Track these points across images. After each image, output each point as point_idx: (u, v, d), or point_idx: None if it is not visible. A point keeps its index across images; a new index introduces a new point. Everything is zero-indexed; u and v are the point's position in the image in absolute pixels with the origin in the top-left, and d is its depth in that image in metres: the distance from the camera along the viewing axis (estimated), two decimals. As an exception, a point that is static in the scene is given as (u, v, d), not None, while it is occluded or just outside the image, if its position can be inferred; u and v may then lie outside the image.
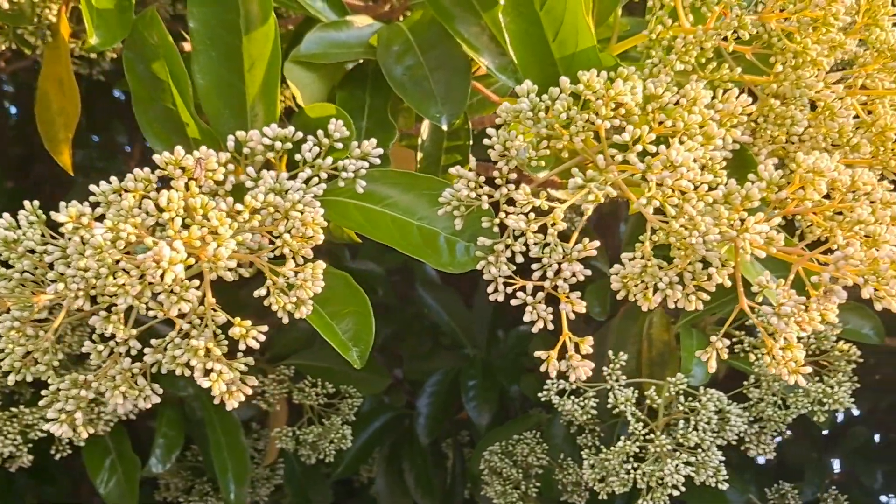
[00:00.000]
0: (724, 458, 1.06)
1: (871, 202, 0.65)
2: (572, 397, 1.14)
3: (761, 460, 2.26)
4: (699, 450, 1.04)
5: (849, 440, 2.10)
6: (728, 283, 0.64)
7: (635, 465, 1.04)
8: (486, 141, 0.66)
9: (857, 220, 0.63)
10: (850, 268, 0.61)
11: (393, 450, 1.67)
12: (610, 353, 1.13)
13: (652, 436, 1.05)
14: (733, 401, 1.12)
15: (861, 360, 1.11)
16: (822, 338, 1.09)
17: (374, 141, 0.68)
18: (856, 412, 2.13)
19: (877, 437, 2.12)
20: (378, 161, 0.68)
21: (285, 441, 1.40)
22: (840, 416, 2.15)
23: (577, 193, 0.61)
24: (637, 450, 1.05)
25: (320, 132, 0.67)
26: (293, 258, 0.62)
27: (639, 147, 0.59)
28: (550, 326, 0.68)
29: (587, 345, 0.68)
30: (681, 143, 0.60)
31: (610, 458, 1.06)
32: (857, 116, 0.73)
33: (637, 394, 1.10)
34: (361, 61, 0.85)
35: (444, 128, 0.79)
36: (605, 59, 0.75)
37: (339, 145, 0.68)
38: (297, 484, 1.62)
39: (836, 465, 2.14)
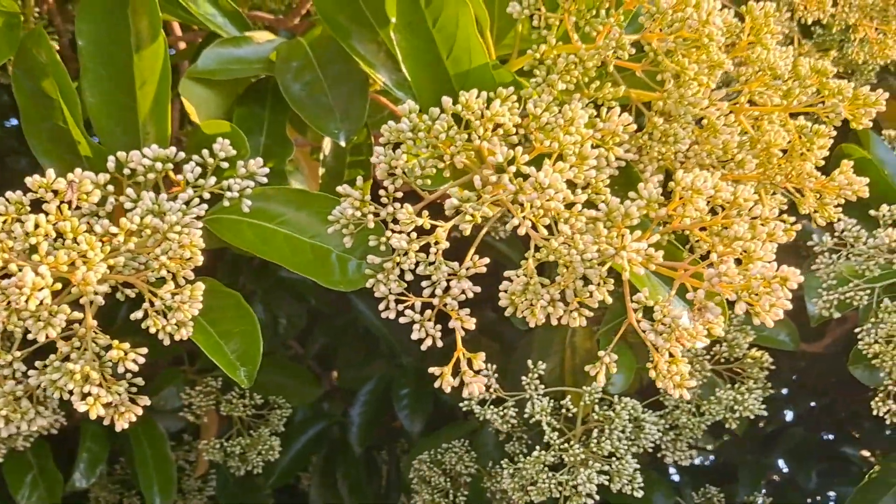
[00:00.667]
0: (639, 465, 1.07)
1: (753, 218, 0.66)
2: (492, 407, 1.14)
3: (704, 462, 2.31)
4: (614, 458, 1.05)
5: (784, 441, 2.13)
6: (609, 300, 0.64)
7: (550, 474, 1.04)
8: (372, 159, 0.67)
9: (735, 237, 0.64)
10: (724, 284, 0.62)
11: (327, 458, 1.66)
12: (529, 362, 1.13)
13: (566, 445, 1.05)
14: (651, 408, 1.14)
15: (773, 367, 1.13)
16: (733, 346, 1.11)
17: (259, 160, 0.67)
18: (789, 415, 2.17)
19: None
20: (265, 180, 0.68)
21: (213, 453, 1.39)
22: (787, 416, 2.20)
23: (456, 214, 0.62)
24: (554, 459, 1.06)
25: (205, 151, 0.67)
26: (173, 280, 0.61)
27: (513, 168, 0.60)
28: (440, 344, 0.69)
29: (480, 360, 0.69)
30: (556, 162, 0.60)
31: (527, 468, 1.07)
32: (745, 133, 0.74)
33: (558, 403, 1.11)
34: (263, 76, 0.85)
35: (343, 143, 0.79)
36: (503, 75, 0.75)
37: (226, 164, 0.67)
38: (230, 495, 1.60)
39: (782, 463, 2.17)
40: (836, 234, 1.03)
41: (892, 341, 0.99)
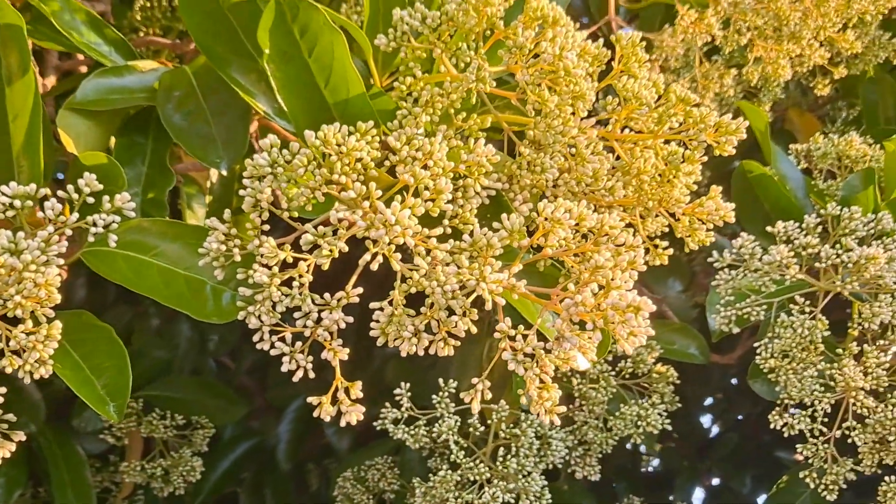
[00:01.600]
0: (546, 483, 1.08)
1: (619, 245, 0.67)
2: (403, 426, 1.15)
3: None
4: (520, 476, 1.06)
5: (720, 447, 2.16)
6: (474, 330, 0.65)
7: (456, 493, 1.05)
8: (241, 192, 0.67)
9: (596, 266, 0.65)
10: (581, 313, 0.63)
11: (257, 475, 1.66)
12: (440, 380, 1.14)
13: (473, 464, 1.06)
14: (563, 424, 1.15)
15: (679, 382, 1.14)
16: (638, 361, 1.12)
17: (126, 195, 0.67)
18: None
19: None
20: (133, 214, 0.68)
21: (134, 475, 1.38)
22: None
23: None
24: (460, 477, 1.07)
25: (71, 187, 0.67)
26: (32, 318, 0.61)
27: (367, 203, 0.60)
28: (312, 375, 0.69)
29: (357, 388, 0.70)
30: (411, 197, 0.61)
31: (437, 487, 1.07)
32: (619, 157, 0.75)
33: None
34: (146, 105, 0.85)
35: (224, 172, 0.79)
36: (386, 102, 0.76)
37: (91, 199, 0.67)
38: (158, 516, 1.59)
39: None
40: (735, 250, 1.04)
41: (789, 356, 1.01)
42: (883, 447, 0.95)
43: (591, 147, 0.72)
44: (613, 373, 1.13)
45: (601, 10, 1.06)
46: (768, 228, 1.05)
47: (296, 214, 0.66)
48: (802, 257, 1.00)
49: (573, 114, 0.69)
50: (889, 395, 0.95)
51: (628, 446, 2.01)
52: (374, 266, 0.60)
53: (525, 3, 0.69)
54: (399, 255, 0.60)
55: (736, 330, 1.05)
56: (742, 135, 0.71)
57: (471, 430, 1.10)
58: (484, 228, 0.66)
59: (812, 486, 1.01)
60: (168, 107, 0.80)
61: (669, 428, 1.11)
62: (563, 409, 0.69)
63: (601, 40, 0.73)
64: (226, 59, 0.78)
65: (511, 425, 1.09)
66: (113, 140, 0.83)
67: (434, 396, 1.13)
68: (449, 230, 0.67)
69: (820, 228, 1.02)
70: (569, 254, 0.68)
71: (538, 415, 0.67)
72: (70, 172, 0.76)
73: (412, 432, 1.14)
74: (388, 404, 1.16)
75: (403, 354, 0.67)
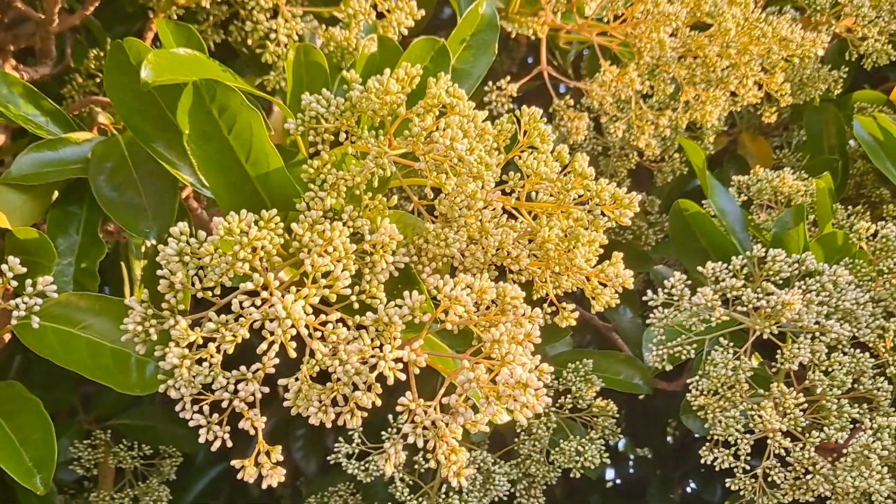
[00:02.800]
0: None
1: (519, 316, 0.71)
2: (355, 461, 1.18)
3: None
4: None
5: (692, 456, 2.19)
6: (379, 403, 0.69)
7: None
8: (158, 271, 0.70)
9: (493, 340, 0.68)
10: (478, 387, 0.66)
11: (228, 500, 1.70)
12: (390, 416, 1.18)
13: (415, 501, 1.10)
14: (506, 458, 1.19)
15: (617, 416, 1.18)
16: (578, 396, 1.16)
17: (48, 278, 0.71)
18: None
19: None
20: (55, 295, 0.71)
21: (103, 505, 1.42)
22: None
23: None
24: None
25: (4, 266, 0.71)
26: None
27: (266, 293, 0.64)
28: (230, 444, 0.73)
29: (277, 453, 0.74)
30: (313, 282, 0.65)
31: (382, 522, 1.11)
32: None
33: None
34: (82, 174, 0.88)
35: (154, 242, 0.82)
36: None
37: (15, 283, 0.71)
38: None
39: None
40: (667, 290, 1.07)
41: (719, 393, 1.05)
42: (802, 484, 0.99)
43: (495, 220, 0.75)
44: (555, 407, 1.17)
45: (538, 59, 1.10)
46: (699, 268, 1.08)
47: (209, 295, 0.70)
48: (729, 299, 1.04)
49: (481, 187, 0.73)
50: (807, 435, 0.99)
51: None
52: (271, 354, 0.64)
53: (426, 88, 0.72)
54: (294, 344, 0.64)
55: (669, 367, 1.09)
56: (635, 208, 0.74)
57: (416, 466, 1.14)
58: (392, 302, 0.70)
59: (743, 517, 1.05)
60: (100, 179, 0.83)
61: (608, 462, 1.15)
62: (471, 471, 0.73)
63: (505, 116, 0.77)
64: (151, 134, 0.81)
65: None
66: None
67: (383, 433, 1.17)
68: (356, 305, 0.70)
69: (746, 270, 1.05)
70: (471, 324, 0.72)
71: (448, 476, 0.71)
72: (7, 247, 0.79)
73: (363, 467, 1.18)
74: (341, 439, 1.19)
75: (313, 422, 0.71)
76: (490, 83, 1.11)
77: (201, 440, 0.71)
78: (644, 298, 1.10)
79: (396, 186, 0.81)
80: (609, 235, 1.45)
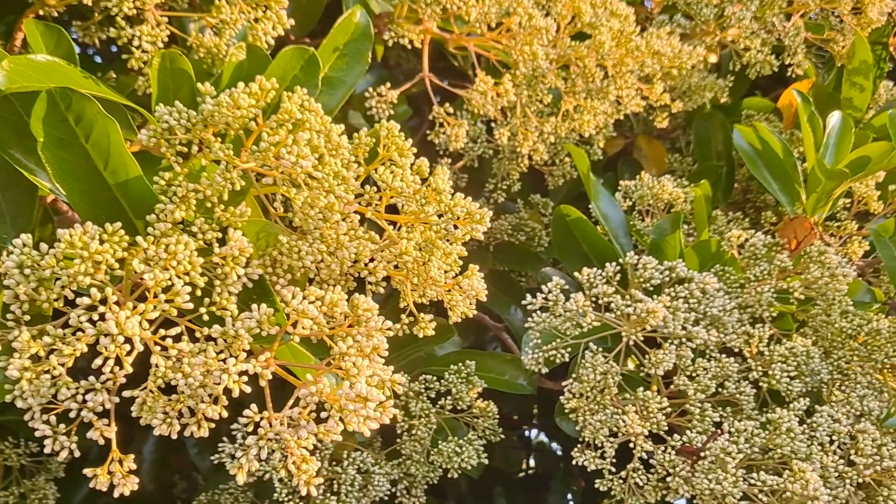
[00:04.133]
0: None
1: (370, 328, 0.72)
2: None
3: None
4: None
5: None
6: (226, 414, 0.70)
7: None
8: (6, 281, 0.70)
9: (340, 353, 0.70)
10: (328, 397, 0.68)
11: (121, 497, 1.68)
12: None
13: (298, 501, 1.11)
14: (389, 457, 1.20)
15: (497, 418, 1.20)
16: (458, 398, 1.18)
17: None
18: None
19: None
20: None
21: (-13, 504, 1.40)
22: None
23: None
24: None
25: None
26: None
27: (103, 307, 0.64)
28: (77, 453, 0.73)
29: (130, 461, 0.74)
30: (154, 296, 0.65)
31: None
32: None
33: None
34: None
35: (12, 249, 0.81)
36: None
37: None
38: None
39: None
40: (544, 294, 1.10)
41: (590, 397, 1.07)
42: (664, 486, 1.02)
43: (353, 232, 0.76)
44: (435, 409, 1.18)
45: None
46: (575, 274, 1.10)
47: (59, 305, 0.70)
48: (601, 305, 1.07)
49: (336, 200, 0.74)
50: (669, 438, 1.02)
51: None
52: (107, 369, 0.64)
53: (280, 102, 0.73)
54: (131, 359, 0.64)
55: (545, 370, 1.11)
56: (486, 224, 0.76)
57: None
58: (244, 313, 0.70)
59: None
60: (-45, 183, 0.82)
61: (486, 462, 1.17)
62: (321, 480, 0.74)
63: (364, 129, 0.78)
64: (9, 140, 0.80)
65: (333, 463, 1.14)
66: None
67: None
68: (206, 318, 0.71)
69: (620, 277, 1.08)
70: (324, 336, 0.73)
71: (299, 485, 0.72)
72: None
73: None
74: (225, 438, 1.20)
75: (157, 433, 0.72)
76: (371, 89, 1.11)
77: (47, 450, 0.71)
78: (523, 302, 1.12)
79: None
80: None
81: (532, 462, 2.48)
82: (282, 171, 0.70)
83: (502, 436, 1.22)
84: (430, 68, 1.63)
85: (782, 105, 1.55)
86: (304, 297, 0.70)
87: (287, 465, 0.72)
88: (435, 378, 1.20)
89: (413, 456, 1.18)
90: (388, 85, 1.11)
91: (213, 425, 0.71)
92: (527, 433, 2.48)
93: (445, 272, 0.81)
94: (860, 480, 1.00)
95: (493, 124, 1.28)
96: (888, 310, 1.25)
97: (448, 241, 0.79)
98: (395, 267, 0.80)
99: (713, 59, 1.57)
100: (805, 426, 1.02)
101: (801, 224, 1.18)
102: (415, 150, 0.79)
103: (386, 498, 1.18)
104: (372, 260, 0.79)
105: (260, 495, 1.43)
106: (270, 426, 0.69)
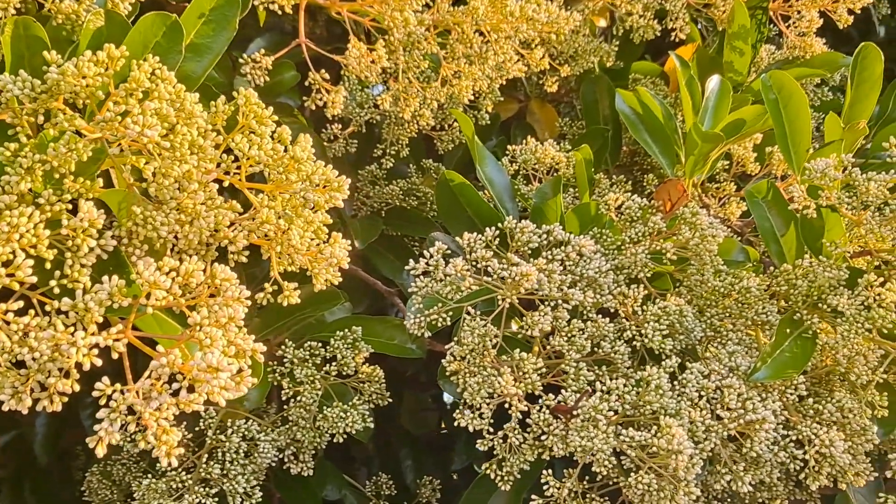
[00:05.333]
0: (256, 483, 1.14)
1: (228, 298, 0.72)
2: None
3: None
4: (224, 479, 1.12)
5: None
6: (77, 388, 0.69)
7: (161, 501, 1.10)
8: None
9: (196, 323, 0.70)
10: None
11: (16, 471, 1.66)
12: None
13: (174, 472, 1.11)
14: (279, 423, 1.21)
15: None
16: (343, 364, 1.18)
17: None
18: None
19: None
20: None
21: None
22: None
23: None
24: (165, 486, 1.11)
25: None
26: None
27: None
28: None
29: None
30: None
31: (145, 494, 1.12)
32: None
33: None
34: None
35: None
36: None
37: None
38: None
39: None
40: (426, 259, 1.11)
41: (470, 360, 1.09)
42: (540, 445, 1.05)
43: (210, 202, 0.76)
44: (321, 374, 1.19)
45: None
46: (457, 238, 1.12)
47: None
48: (480, 269, 1.08)
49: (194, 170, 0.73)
50: (544, 397, 1.05)
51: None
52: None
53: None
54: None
55: (428, 334, 1.12)
56: (346, 193, 0.76)
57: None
58: (96, 285, 0.70)
59: (492, 476, 1.10)
60: None
61: (372, 426, 1.19)
62: (182, 450, 0.74)
63: (222, 98, 0.77)
64: None
65: (218, 431, 1.14)
66: None
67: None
68: (57, 290, 0.70)
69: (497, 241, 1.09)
70: (181, 306, 0.73)
71: (160, 456, 0.72)
72: None
73: (129, 439, 1.17)
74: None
75: (6, 408, 0.71)
76: (245, 56, 1.10)
77: None
78: (406, 268, 1.13)
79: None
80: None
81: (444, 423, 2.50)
82: (127, 141, 0.69)
83: (390, 399, 1.23)
84: (329, 34, 1.61)
85: (668, 69, 1.59)
86: (158, 269, 0.70)
87: (146, 437, 0.72)
88: (320, 344, 1.20)
89: (299, 422, 1.18)
90: (263, 51, 1.10)
91: (66, 399, 0.70)
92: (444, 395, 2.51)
93: (312, 240, 0.81)
94: (727, 434, 1.05)
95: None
96: (762, 268, 1.29)
97: (312, 209, 0.79)
98: (260, 237, 0.80)
99: (602, 23, 1.59)
100: (676, 383, 1.06)
101: (674, 186, 1.21)
102: (275, 117, 0.79)
103: (274, 464, 1.19)
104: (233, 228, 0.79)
105: (153, 464, 1.43)
106: (124, 398, 0.68)
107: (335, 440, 1.17)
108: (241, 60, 1.10)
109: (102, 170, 0.79)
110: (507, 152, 1.38)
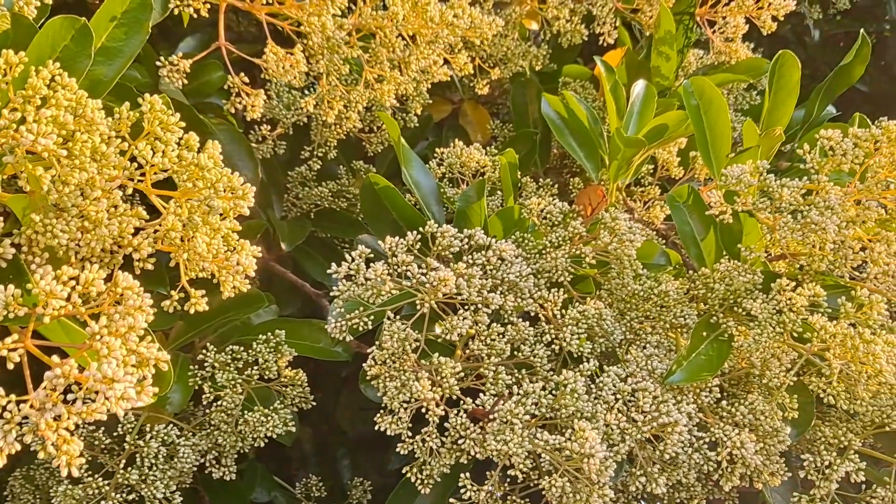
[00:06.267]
0: (176, 488, 1.13)
1: (129, 308, 0.72)
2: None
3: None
4: (143, 485, 1.11)
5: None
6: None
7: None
8: None
9: (93, 332, 0.69)
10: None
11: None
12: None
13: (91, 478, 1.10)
14: (198, 428, 1.20)
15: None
16: (265, 368, 1.18)
17: None
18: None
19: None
20: None
21: None
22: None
23: None
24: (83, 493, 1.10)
25: None
26: None
27: None
28: None
29: None
30: None
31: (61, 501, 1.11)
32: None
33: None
34: None
35: None
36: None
37: None
38: None
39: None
40: (347, 263, 1.11)
41: (390, 364, 1.09)
42: (457, 448, 1.06)
43: (112, 209, 0.75)
44: (243, 378, 1.18)
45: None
46: (379, 242, 1.12)
47: None
48: (401, 273, 1.08)
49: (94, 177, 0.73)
50: (463, 400, 1.05)
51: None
52: None
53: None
54: None
55: (350, 338, 1.12)
56: (250, 201, 0.76)
57: (96, 442, 1.14)
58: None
59: (412, 479, 1.11)
60: None
61: (290, 430, 1.18)
62: (83, 460, 0.73)
63: (126, 104, 0.77)
64: None
65: (137, 436, 1.13)
66: None
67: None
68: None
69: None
70: (82, 315, 0.72)
71: (59, 466, 0.72)
72: None
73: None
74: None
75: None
76: (162, 58, 1.09)
77: None
78: (329, 271, 1.13)
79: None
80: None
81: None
82: (21, 149, 0.68)
83: (314, 403, 1.23)
84: (262, 34, 1.60)
85: (598, 73, 1.60)
86: (56, 277, 0.69)
87: (46, 448, 0.71)
88: (242, 348, 1.20)
89: (221, 426, 1.18)
90: (181, 54, 1.09)
91: (-39, 409, 0.69)
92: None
93: (222, 247, 0.81)
94: (643, 436, 1.06)
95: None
96: (684, 272, 1.31)
97: (219, 216, 0.79)
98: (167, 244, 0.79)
99: (534, 26, 1.61)
100: (594, 386, 1.07)
101: (594, 191, 1.23)
102: (183, 123, 0.78)
103: (196, 469, 1.18)
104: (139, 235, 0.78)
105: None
106: (19, 409, 0.68)
107: (257, 444, 1.16)
108: (157, 63, 1.09)
109: (9, 175, 0.78)
110: (435, 155, 1.38)
